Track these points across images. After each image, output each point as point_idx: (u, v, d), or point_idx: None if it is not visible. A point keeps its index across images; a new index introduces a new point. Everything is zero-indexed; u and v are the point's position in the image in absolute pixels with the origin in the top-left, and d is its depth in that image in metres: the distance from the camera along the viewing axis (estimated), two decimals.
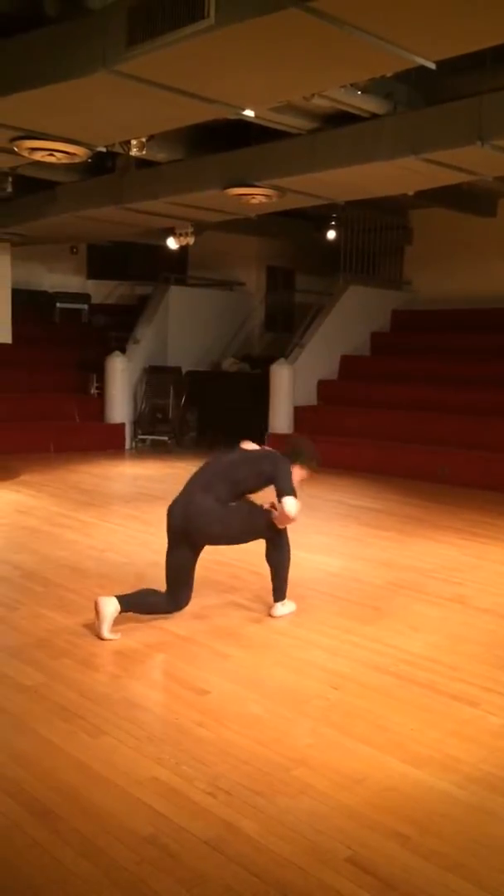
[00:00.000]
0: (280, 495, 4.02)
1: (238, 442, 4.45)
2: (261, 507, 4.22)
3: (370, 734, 3.00)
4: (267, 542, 4.31)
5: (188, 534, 4.11)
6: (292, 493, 4.03)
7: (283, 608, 4.36)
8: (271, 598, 4.42)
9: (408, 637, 4.06)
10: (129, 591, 4.14)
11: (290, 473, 4.12)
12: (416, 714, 3.19)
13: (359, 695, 3.35)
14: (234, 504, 4.16)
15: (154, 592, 4.17)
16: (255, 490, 4.22)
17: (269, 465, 4.16)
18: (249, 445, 4.41)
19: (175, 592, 4.12)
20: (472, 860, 2.27)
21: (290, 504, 3.98)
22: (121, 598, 3.96)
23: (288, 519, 4.06)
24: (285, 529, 4.27)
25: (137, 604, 4.07)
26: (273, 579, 4.36)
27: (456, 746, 2.92)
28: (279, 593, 4.36)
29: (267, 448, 4.48)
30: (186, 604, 4.14)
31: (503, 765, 2.80)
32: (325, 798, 2.56)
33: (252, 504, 4.24)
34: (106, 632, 3.87)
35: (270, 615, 4.32)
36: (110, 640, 3.86)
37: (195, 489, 4.17)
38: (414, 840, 2.35)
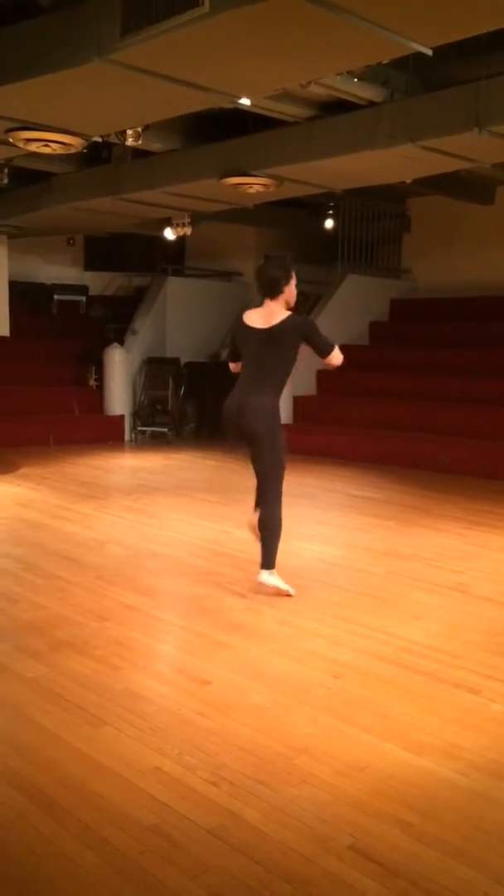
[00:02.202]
0: (324, 357, 4.28)
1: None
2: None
3: (372, 722, 3.00)
4: (260, 497, 4.38)
5: (243, 432, 4.32)
6: (331, 347, 4.25)
7: (273, 578, 4.39)
8: (284, 592, 4.43)
9: (408, 625, 4.07)
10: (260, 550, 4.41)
11: (319, 330, 4.25)
12: (418, 702, 3.19)
13: (360, 683, 3.35)
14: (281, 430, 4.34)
15: (267, 528, 4.33)
16: (291, 367, 4.37)
17: (295, 336, 4.23)
18: (254, 316, 4.37)
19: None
20: (474, 847, 2.27)
21: (336, 358, 4.26)
22: (264, 563, 4.30)
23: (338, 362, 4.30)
24: (281, 480, 4.34)
25: (272, 547, 4.31)
26: (267, 542, 4.41)
27: (458, 734, 2.93)
28: (272, 560, 4.40)
29: (265, 309, 4.37)
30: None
31: None
32: (328, 786, 2.56)
33: (283, 450, 4.36)
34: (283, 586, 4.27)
35: (262, 581, 4.42)
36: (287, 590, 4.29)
37: (248, 388, 4.36)
38: (417, 827, 2.36)
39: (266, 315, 4.30)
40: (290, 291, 4.28)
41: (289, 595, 4.39)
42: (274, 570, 4.41)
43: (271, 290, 4.26)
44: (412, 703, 3.17)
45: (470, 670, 3.51)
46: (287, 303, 4.29)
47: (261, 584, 4.40)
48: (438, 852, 2.24)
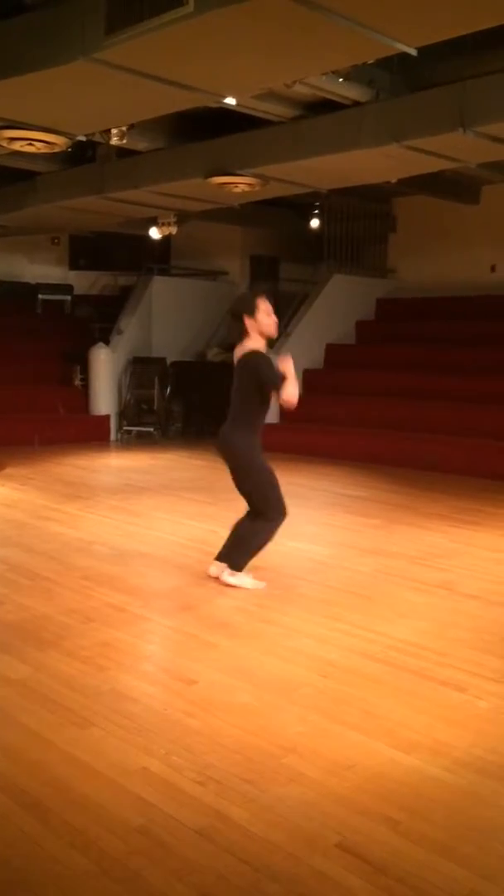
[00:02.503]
0: (271, 390, 4.21)
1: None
2: (269, 476, 4.36)
3: (359, 721, 3.01)
4: (252, 509, 4.42)
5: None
6: (275, 383, 4.14)
7: (234, 578, 4.46)
8: (260, 589, 4.44)
9: (396, 624, 4.08)
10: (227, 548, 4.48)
11: (269, 366, 4.18)
12: (405, 700, 3.20)
13: (348, 682, 3.36)
14: (258, 458, 4.33)
15: (246, 536, 4.38)
16: (264, 401, 4.31)
17: (246, 374, 4.21)
18: (239, 352, 4.37)
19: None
20: (462, 844, 2.28)
21: (286, 393, 4.13)
22: (232, 564, 4.36)
23: (291, 400, 4.18)
24: (278, 500, 4.37)
25: (245, 554, 4.35)
26: (235, 545, 4.46)
27: (445, 731, 2.94)
28: (236, 562, 4.46)
29: (237, 351, 4.39)
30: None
31: (492, 749, 2.82)
32: (315, 785, 2.57)
33: (266, 473, 4.37)
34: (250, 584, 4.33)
35: (220, 579, 4.50)
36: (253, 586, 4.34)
37: (228, 418, 4.40)
38: (404, 825, 2.36)
39: (238, 348, 4.37)
40: (260, 323, 4.26)
41: (259, 588, 4.47)
42: (239, 574, 4.50)
43: (237, 325, 4.30)
44: (399, 702, 3.18)
45: (456, 668, 3.52)
46: (261, 334, 4.28)
47: (220, 580, 4.50)
48: (425, 849, 2.25)
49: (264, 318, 4.26)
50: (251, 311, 4.26)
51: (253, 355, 4.24)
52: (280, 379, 4.15)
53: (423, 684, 3.35)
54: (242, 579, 4.48)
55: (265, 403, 4.34)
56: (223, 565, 4.53)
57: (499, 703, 3.19)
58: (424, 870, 2.16)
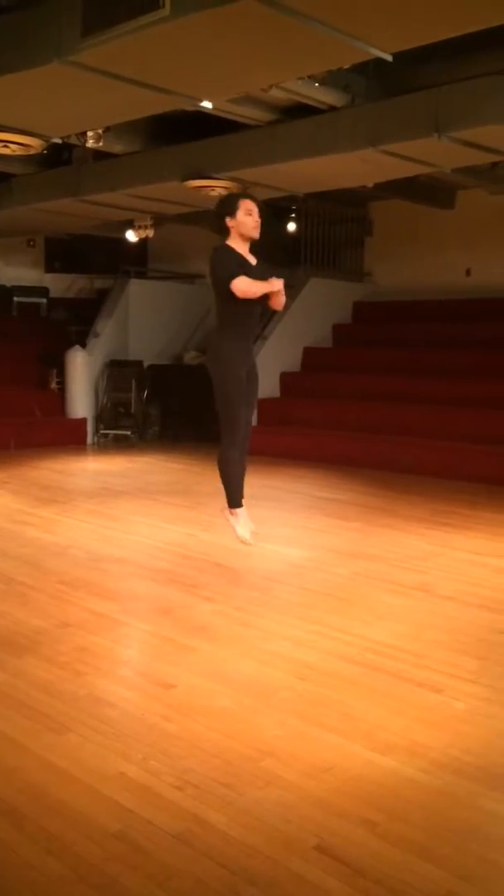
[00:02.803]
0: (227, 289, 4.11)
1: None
2: (228, 378, 4.25)
3: (337, 723, 3.01)
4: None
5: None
6: (230, 279, 4.03)
7: (232, 518, 4.44)
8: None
9: (373, 626, 4.10)
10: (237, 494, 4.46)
11: (221, 263, 4.06)
12: (383, 702, 3.21)
13: (325, 684, 3.36)
14: (225, 369, 4.19)
15: (222, 463, 4.32)
16: (237, 300, 4.15)
17: (210, 273, 4.12)
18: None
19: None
20: (439, 844, 2.29)
21: (237, 287, 4.00)
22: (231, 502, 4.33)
23: (249, 292, 4.05)
24: (234, 421, 4.27)
25: (235, 488, 4.31)
26: None
27: (422, 733, 2.95)
28: (228, 501, 4.46)
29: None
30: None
31: (468, 749, 2.84)
32: (294, 788, 2.57)
33: (229, 389, 4.24)
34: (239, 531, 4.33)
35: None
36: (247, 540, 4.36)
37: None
38: (382, 826, 2.37)
39: None
40: (240, 223, 4.11)
41: (245, 543, 4.43)
42: (233, 510, 4.40)
43: (219, 227, 4.18)
44: (377, 704, 3.19)
45: (433, 669, 3.54)
46: (242, 235, 4.14)
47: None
48: (403, 851, 2.26)
49: (244, 217, 4.13)
50: (231, 212, 4.13)
51: (213, 251, 4.09)
52: (233, 272, 3.99)
53: (400, 686, 3.37)
54: (235, 517, 4.38)
55: (241, 304, 4.14)
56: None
57: (475, 703, 3.21)
58: (402, 871, 2.17)
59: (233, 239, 4.16)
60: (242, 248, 4.17)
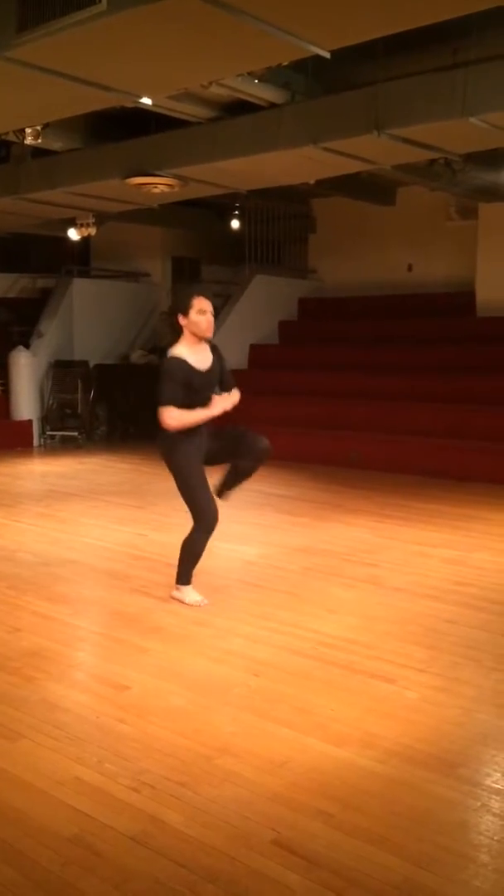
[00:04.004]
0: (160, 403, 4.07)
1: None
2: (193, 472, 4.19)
3: (291, 717, 3.03)
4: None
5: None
6: (164, 404, 4.00)
7: (176, 592, 4.37)
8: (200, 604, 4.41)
9: (325, 620, 4.13)
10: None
11: (164, 379, 4.03)
12: (336, 694, 3.24)
13: (279, 680, 3.38)
14: (184, 459, 4.15)
15: (189, 543, 4.25)
16: (186, 403, 4.11)
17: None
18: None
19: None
20: (393, 832, 2.33)
21: (167, 421, 4.01)
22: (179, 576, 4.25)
23: (181, 425, 4.05)
24: (201, 509, 4.21)
25: (191, 567, 4.26)
26: (180, 557, 4.37)
27: (374, 723, 2.99)
28: (178, 574, 4.38)
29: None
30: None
31: (420, 737, 2.89)
32: (249, 784, 2.58)
33: (193, 476, 4.18)
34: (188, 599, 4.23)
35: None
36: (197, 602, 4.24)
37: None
38: (337, 817, 2.39)
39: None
40: (192, 322, 4.08)
41: (200, 605, 4.32)
42: (182, 587, 4.37)
43: (172, 324, 4.17)
44: (330, 696, 3.22)
45: (385, 660, 3.59)
46: (194, 334, 4.11)
47: (175, 600, 4.40)
48: (359, 840, 2.29)
49: (196, 316, 4.07)
50: (184, 310, 4.08)
51: (166, 362, 4.10)
52: (171, 398, 3.99)
53: (352, 678, 3.41)
54: (183, 593, 4.35)
55: (187, 405, 4.11)
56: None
57: (426, 692, 3.27)
58: (359, 861, 2.20)
59: (186, 337, 4.12)
60: (195, 347, 4.14)
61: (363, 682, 3.36)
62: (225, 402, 4.18)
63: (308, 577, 4.91)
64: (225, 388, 4.27)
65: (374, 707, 3.13)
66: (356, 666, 3.52)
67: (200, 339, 4.14)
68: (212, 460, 4.33)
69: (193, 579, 4.38)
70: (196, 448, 4.19)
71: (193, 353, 4.12)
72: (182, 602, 4.32)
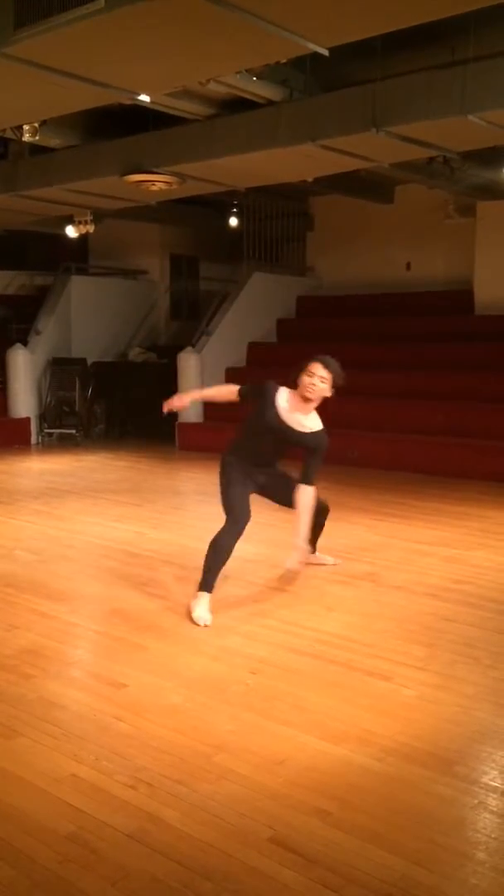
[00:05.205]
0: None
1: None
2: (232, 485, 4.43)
3: (289, 715, 3.03)
4: None
5: None
6: (244, 393, 4.60)
7: (193, 599, 4.16)
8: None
9: (323, 618, 4.13)
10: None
11: (259, 388, 4.50)
12: (334, 692, 3.24)
13: (277, 677, 3.38)
14: (227, 471, 4.47)
15: (215, 550, 4.25)
16: (246, 426, 4.57)
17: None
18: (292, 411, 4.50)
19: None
20: (391, 830, 2.33)
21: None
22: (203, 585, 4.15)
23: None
24: (233, 518, 4.35)
25: (215, 574, 4.20)
26: None
27: (372, 721, 2.99)
28: (200, 581, 4.20)
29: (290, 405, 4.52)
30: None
31: (417, 735, 2.89)
32: (247, 781, 2.58)
33: (227, 484, 4.43)
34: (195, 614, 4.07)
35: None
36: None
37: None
38: (335, 815, 2.40)
39: (289, 403, 4.54)
40: (300, 381, 4.43)
41: (199, 623, 4.05)
42: (200, 595, 4.15)
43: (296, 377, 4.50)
44: (328, 694, 3.22)
45: (382, 658, 3.59)
46: (299, 392, 4.44)
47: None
48: (356, 838, 2.29)
49: (305, 377, 4.40)
50: (303, 369, 4.44)
51: (270, 381, 4.54)
52: (243, 387, 4.50)
53: (350, 676, 3.41)
54: (195, 602, 4.13)
55: (252, 436, 4.48)
56: None
57: (423, 690, 3.27)
58: (356, 858, 2.20)
59: (295, 391, 4.46)
60: (298, 405, 4.45)
61: (361, 680, 3.36)
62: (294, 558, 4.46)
63: (306, 575, 4.91)
64: (300, 478, 4.46)
65: (372, 705, 3.13)
66: (354, 664, 3.52)
67: (304, 399, 4.41)
68: (263, 493, 4.65)
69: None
70: (242, 472, 4.48)
71: (290, 405, 4.42)
72: (189, 608, 4.16)
